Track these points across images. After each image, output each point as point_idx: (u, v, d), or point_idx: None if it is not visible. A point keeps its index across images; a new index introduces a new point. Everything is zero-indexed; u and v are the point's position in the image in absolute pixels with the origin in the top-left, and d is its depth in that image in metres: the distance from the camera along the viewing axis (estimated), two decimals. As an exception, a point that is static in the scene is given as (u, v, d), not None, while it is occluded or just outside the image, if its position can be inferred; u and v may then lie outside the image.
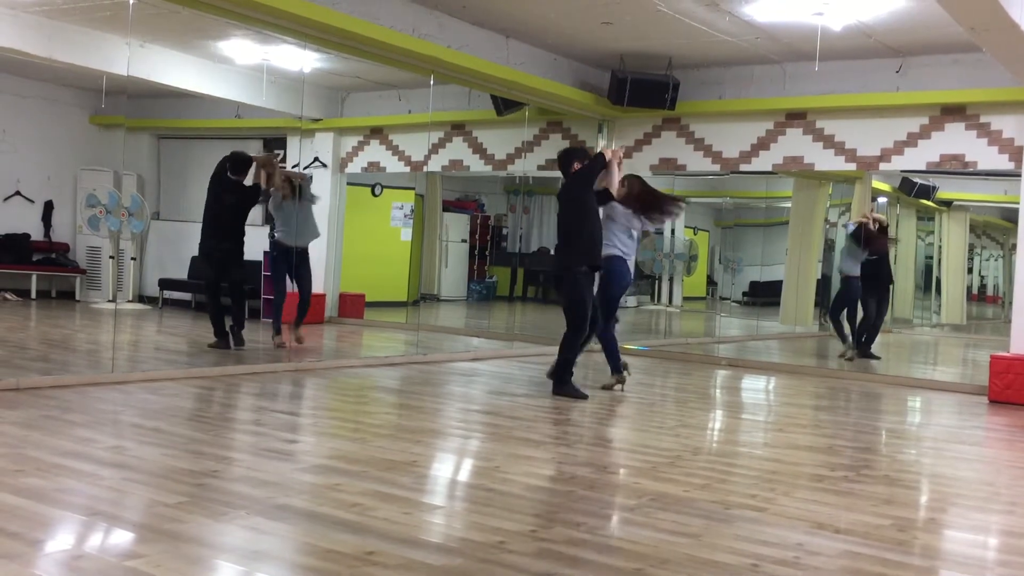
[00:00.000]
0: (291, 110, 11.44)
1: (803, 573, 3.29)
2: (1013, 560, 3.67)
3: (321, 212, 12.27)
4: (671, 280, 15.45)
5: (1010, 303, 9.02)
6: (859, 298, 10.51)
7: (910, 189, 12.47)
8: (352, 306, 12.67)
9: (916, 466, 5.48)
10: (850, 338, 10.56)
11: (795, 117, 9.62)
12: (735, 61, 9.60)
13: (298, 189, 9.12)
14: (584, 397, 7.01)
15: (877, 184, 12.26)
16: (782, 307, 12.96)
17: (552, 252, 7.30)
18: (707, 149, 10.14)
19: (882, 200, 13.23)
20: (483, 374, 8.46)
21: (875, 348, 10.75)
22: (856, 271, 10.46)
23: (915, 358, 12.05)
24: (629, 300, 14.76)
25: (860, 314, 10.64)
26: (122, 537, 3.40)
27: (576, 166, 7.29)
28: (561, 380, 7.13)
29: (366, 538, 3.43)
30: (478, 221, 17.39)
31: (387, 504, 3.90)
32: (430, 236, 15.29)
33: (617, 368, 7.49)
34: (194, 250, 9.42)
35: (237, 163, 8.77)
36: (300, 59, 9.85)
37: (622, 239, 7.53)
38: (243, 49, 9.89)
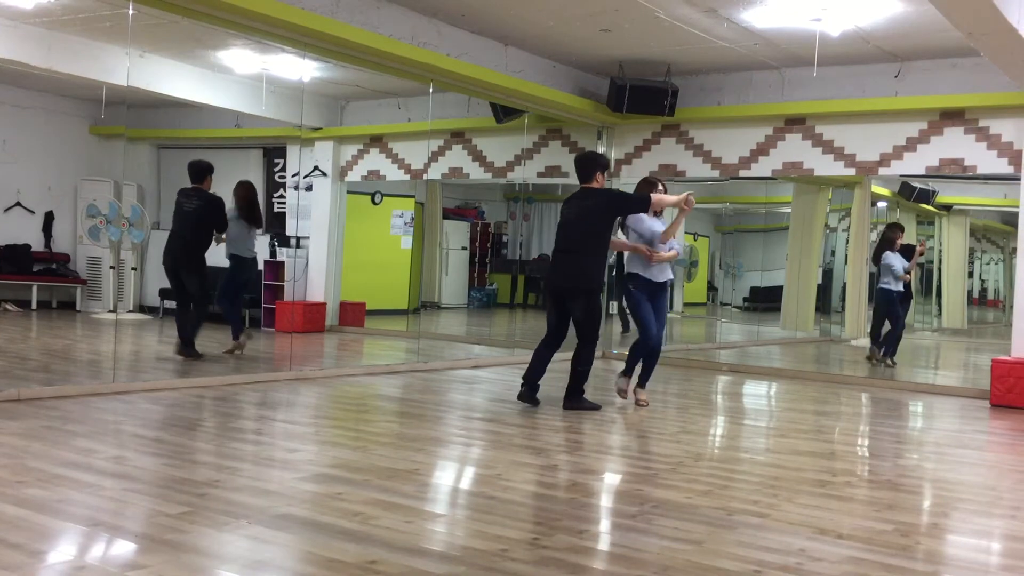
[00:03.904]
0: (291, 119, 11.47)
1: (806, 579, 3.29)
2: (1016, 564, 3.67)
3: (321, 220, 12.36)
4: (671, 286, 15.45)
5: (1011, 307, 9.02)
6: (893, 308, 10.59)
7: (909, 194, 12.47)
8: (353, 314, 12.68)
9: (918, 471, 5.47)
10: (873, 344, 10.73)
11: (794, 122, 9.63)
12: (734, 67, 9.61)
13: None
14: (597, 407, 6.93)
15: (877, 189, 12.27)
16: (783, 312, 12.96)
17: (551, 258, 7.03)
18: (707, 155, 10.15)
19: (882, 205, 13.24)
20: (484, 381, 8.46)
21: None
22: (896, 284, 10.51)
23: (916, 362, 12.03)
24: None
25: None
26: (124, 547, 3.40)
27: (599, 177, 6.92)
28: (576, 392, 6.91)
29: (368, 547, 3.43)
30: (478, 228, 17.41)
31: (389, 513, 3.90)
32: (430, 244, 15.30)
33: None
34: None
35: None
36: (299, 68, 9.86)
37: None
38: (242, 58, 9.91)
